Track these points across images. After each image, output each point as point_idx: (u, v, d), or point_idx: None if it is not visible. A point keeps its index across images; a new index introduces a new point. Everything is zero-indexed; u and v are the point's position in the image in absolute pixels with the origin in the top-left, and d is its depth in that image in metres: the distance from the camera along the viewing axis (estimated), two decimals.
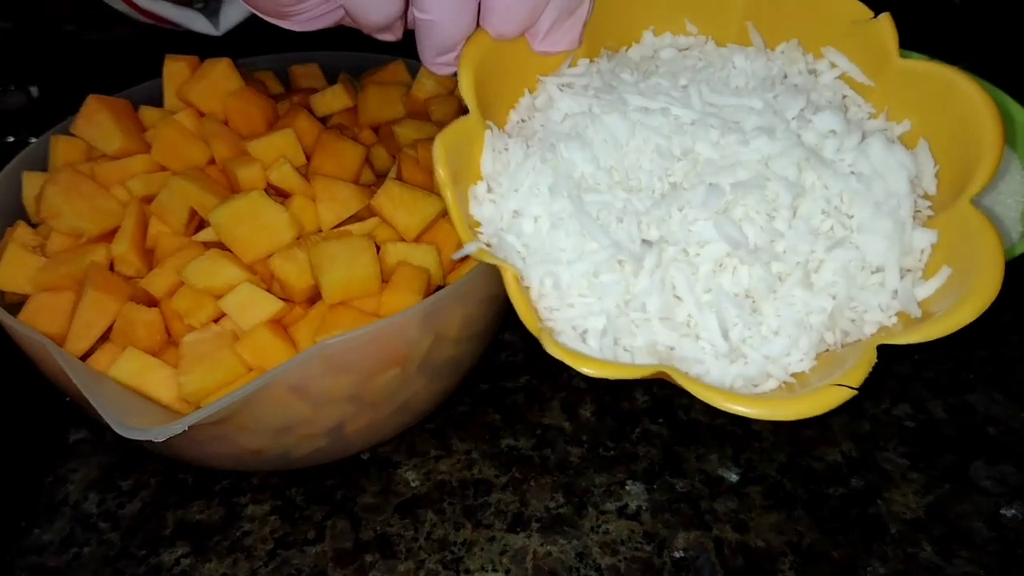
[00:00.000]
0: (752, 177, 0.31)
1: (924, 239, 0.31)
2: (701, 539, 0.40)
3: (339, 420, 0.39)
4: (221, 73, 0.45)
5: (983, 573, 0.38)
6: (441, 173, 0.31)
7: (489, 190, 0.33)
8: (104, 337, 0.39)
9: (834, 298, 0.30)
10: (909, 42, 0.52)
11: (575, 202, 0.31)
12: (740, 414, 0.27)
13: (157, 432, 0.32)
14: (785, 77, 0.35)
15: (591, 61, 0.37)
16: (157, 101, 0.47)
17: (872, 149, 0.31)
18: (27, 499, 0.43)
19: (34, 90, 0.68)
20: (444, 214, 0.41)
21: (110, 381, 0.37)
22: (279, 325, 0.38)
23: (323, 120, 0.48)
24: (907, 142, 0.33)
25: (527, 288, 0.31)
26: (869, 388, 0.47)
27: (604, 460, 0.44)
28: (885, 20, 0.33)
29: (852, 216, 0.31)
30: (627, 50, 0.38)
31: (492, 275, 0.39)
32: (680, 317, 0.30)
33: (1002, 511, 0.41)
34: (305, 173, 0.43)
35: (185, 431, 0.32)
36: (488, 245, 0.32)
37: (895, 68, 0.33)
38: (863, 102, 0.34)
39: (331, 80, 0.52)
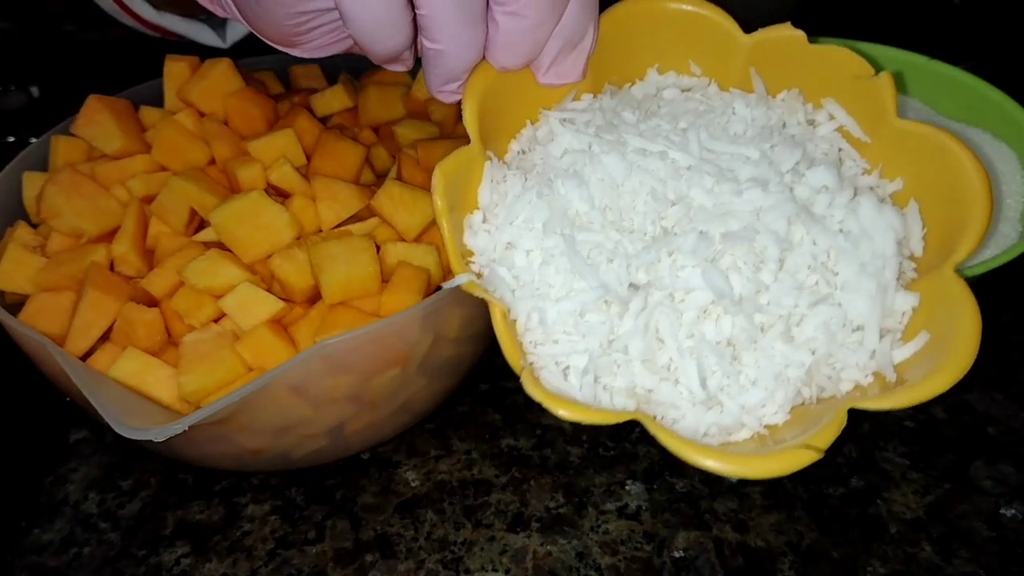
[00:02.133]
0: (742, 228, 0.31)
1: (906, 302, 0.31)
2: (701, 539, 0.40)
3: (339, 420, 0.39)
4: (221, 73, 0.45)
5: (983, 573, 0.38)
6: (439, 203, 0.32)
7: (485, 220, 0.34)
8: (104, 337, 0.39)
9: (813, 353, 0.31)
10: (909, 42, 0.52)
11: (567, 240, 0.32)
12: (710, 469, 0.27)
13: (157, 432, 0.32)
14: (784, 126, 0.35)
15: (595, 96, 0.37)
16: (157, 101, 0.47)
17: (862, 208, 0.32)
18: (27, 499, 0.43)
19: (34, 90, 0.69)
20: None
21: (110, 381, 0.37)
22: (279, 325, 0.38)
23: (323, 120, 0.48)
24: (898, 200, 0.33)
25: (514, 321, 0.32)
26: None
27: (604, 460, 0.44)
28: (885, 79, 0.33)
29: (837, 273, 0.31)
30: (631, 86, 0.39)
31: None
32: (661, 361, 0.31)
33: (1002, 511, 0.41)
34: (305, 173, 0.43)
35: (185, 431, 0.32)
36: (479, 276, 0.33)
37: (891, 126, 0.33)
38: (858, 157, 0.35)
39: (331, 80, 0.52)
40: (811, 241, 0.31)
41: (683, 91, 0.38)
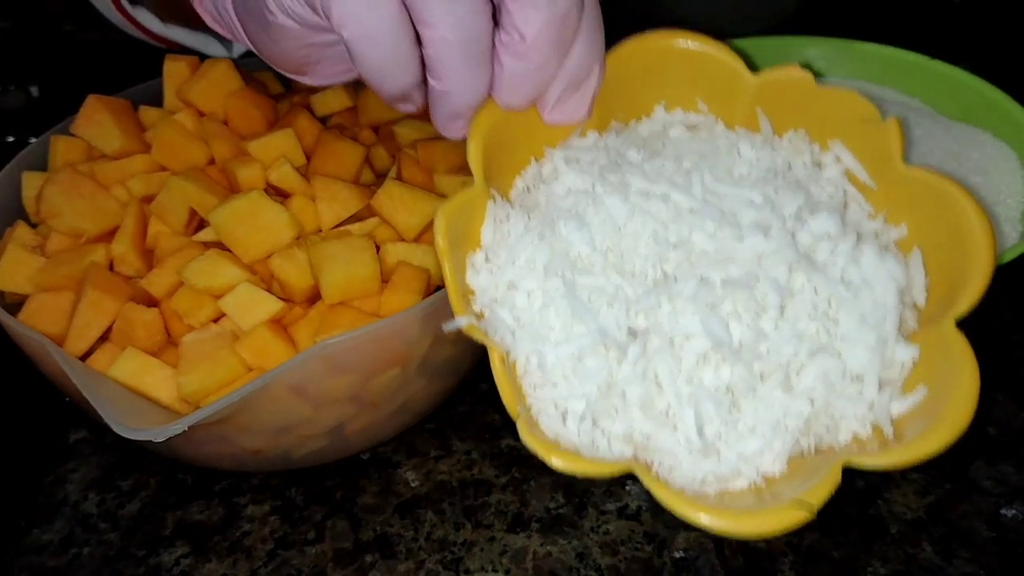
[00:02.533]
0: (743, 275, 0.31)
1: (906, 354, 0.31)
2: (701, 539, 0.40)
3: (339, 420, 0.39)
4: (221, 73, 0.45)
5: (983, 573, 0.38)
6: (441, 243, 0.32)
7: (487, 259, 0.34)
8: (104, 337, 0.39)
9: (812, 403, 0.30)
10: (909, 42, 0.52)
11: (568, 283, 0.32)
12: (703, 526, 0.27)
13: (157, 432, 0.32)
14: (789, 168, 0.35)
15: (600, 134, 0.37)
16: (157, 101, 0.47)
17: (864, 257, 0.31)
18: (27, 499, 0.43)
19: (34, 90, 0.68)
20: None
21: (110, 381, 0.37)
22: (279, 325, 0.38)
23: (323, 120, 0.48)
24: (902, 246, 0.33)
25: (513, 363, 0.32)
26: None
27: None
28: (893, 124, 0.33)
29: (837, 322, 0.31)
30: (637, 123, 0.38)
31: None
32: (659, 406, 0.31)
33: (1002, 511, 0.41)
34: (305, 173, 0.43)
35: (185, 431, 0.32)
36: (479, 316, 0.32)
37: (897, 172, 0.33)
38: (863, 200, 0.34)
39: None
40: (812, 289, 0.31)
41: (689, 128, 0.38)
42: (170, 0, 0.46)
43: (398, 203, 0.40)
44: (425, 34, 0.30)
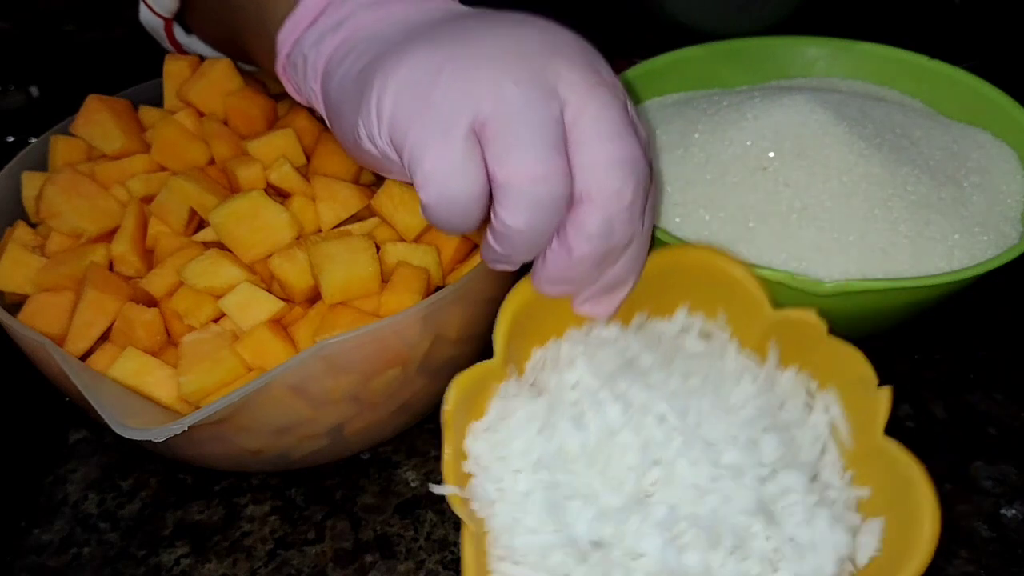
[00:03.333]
0: (708, 513, 0.33)
1: None
2: None
3: (339, 420, 0.39)
4: (221, 73, 0.45)
5: (983, 573, 0.39)
6: (449, 409, 0.34)
7: (487, 429, 0.35)
8: (104, 337, 0.39)
9: None
10: (910, 42, 0.52)
11: (550, 484, 0.34)
12: None
13: (157, 432, 0.32)
14: (781, 406, 0.37)
15: (624, 326, 0.39)
16: (157, 101, 0.47)
17: (818, 520, 0.33)
18: (27, 499, 0.43)
19: (34, 90, 0.68)
20: None
21: (110, 381, 0.37)
22: (279, 325, 0.38)
23: (323, 120, 0.48)
24: (863, 506, 0.35)
25: (486, 533, 0.33)
26: None
27: None
28: (885, 394, 0.35)
29: (777, 572, 0.33)
30: (659, 320, 0.40)
31: (492, 276, 0.39)
32: None
33: (1002, 511, 0.41)
34: (305, 173, 0.43)
35: (185, 431, 0.32)
36: (467, 479, 0.34)
37: (875, 440, 0.35)
38: (838, 456, 0.36)
39: None
40: (764, 537, 0.33)
41: (704, 336, 0.39)
42: (226, 42, 0.47)
43: (398, 203, 0.40)
44: (499, 215, 0.31)
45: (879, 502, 0.34)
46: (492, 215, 0.31)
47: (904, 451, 0.34)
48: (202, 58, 0.47)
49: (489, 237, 0.32)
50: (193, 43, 0.50)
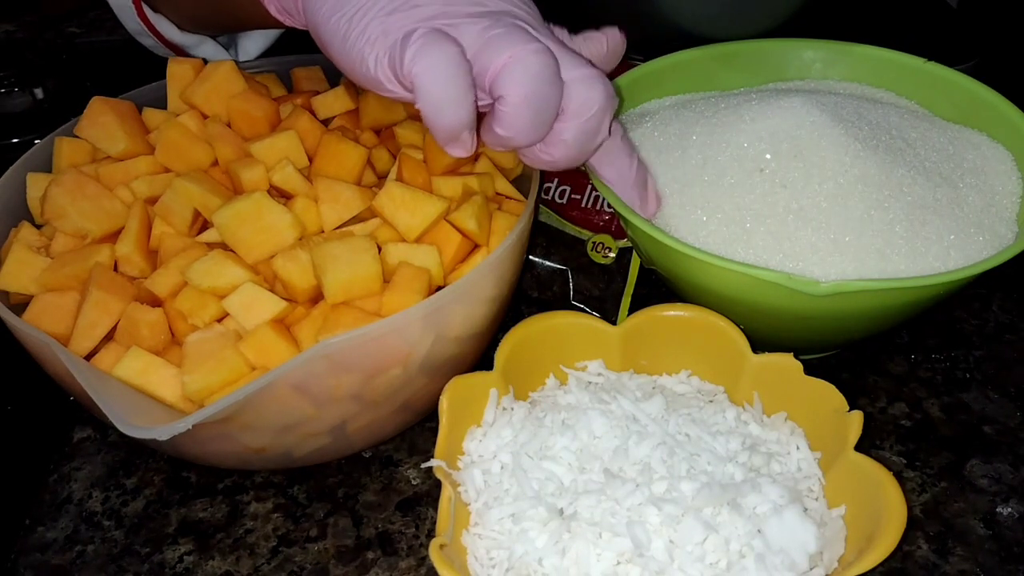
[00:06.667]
0: (678, 497, 0.34)
1: None
2: None
3: (341, 419, 0.39)
4: (224, 75, 0.45)
5: (979, 571, 0.39)
6: (444, 403, 0.38)
7: (485, 435, 0.39)
8: (108, 337, 0.39)
9: None
10: (906, 44, 0.52)
11: (526, 466, 0.37)
12: None
13: (161, 431, 0.32)
14: (760, 445, 0.39)
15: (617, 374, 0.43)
16: (161, 103, 0.47)
17: (787, 514, 0.34)
18: (31, 497, 0.44)
19: (38, 92, 0.69)
20: (444, 215, 0.41)
21: (114, 380, 0.37)
22: (282, 325, 0.39)
23: (325, 122, 0.48)
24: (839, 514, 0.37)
25: (466, 506, 0.37)
26: (865, 387, 0.47)
27: None
28: (856, 417, 0.37)
29: (745, 570, 0.33)
30: (653, 377, 0.43)
31: (492, 276, 0.39)
32: None
33: (998, 509, 0.41)
34: (307, 175, 0.43)
35: (189, 430, 0.33)
36: (453, 476, 0.37)
37: (847, 457, 0.37)
38: (817, 483, 0.38)
39: (333, 82, 0.52)
40: (733, 526, 0.34)
41: (696, 389, 0.43)
42: (193, 13, 0.48)
43: (399, 204, 0.40)
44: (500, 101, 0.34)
45: (851, 512, 0.36)
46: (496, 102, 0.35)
47: (872, 461, 0.36)
48: (205, 61, 0.47)
49: (491, 124, 0.36)
50: (159, 20, 0.52)
